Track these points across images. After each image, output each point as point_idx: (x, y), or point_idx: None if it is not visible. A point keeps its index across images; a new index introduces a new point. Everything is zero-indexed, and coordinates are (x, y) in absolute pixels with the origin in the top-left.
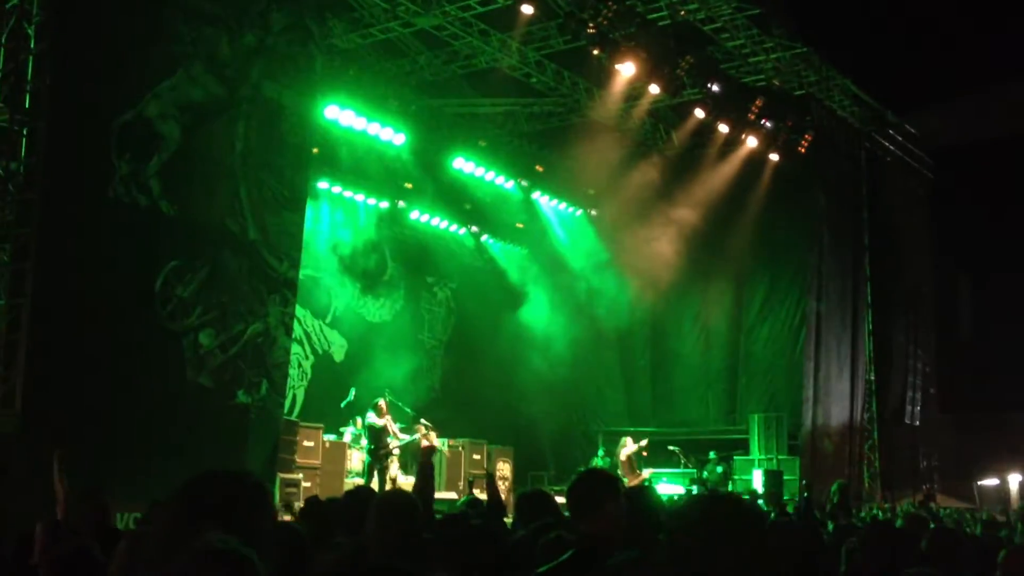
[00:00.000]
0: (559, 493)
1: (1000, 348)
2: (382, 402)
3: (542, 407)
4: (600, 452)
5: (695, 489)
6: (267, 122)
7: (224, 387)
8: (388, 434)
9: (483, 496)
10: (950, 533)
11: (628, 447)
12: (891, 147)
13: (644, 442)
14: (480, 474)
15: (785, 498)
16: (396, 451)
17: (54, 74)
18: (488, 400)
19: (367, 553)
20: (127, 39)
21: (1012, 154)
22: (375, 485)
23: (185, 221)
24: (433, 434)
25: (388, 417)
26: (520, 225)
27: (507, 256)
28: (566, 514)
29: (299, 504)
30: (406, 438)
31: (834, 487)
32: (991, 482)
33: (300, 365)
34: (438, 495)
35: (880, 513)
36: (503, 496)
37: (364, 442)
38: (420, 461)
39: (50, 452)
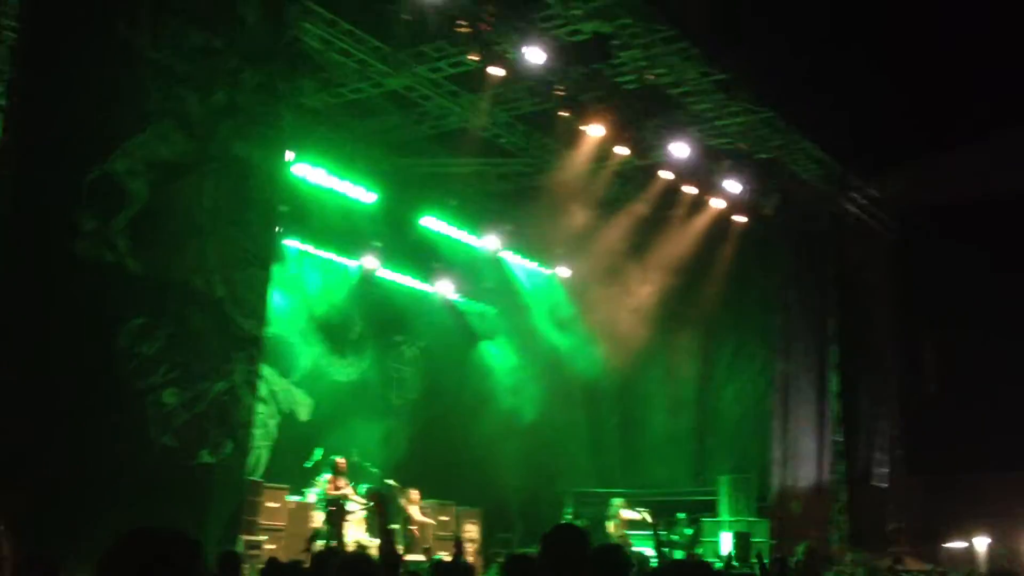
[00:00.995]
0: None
1: (966, 409)
2: (340, 460)
3: (510, 467)
4: (568, 512)
5: (665, 552)
6: (236, 179)
7: (188, 446)
8: (344, 497)
9: (448, 559)
10: None
11: (627, 512)
12: (855, 209)
13: (646, 513)
14: (447, 536)
15: (752, 561)
16: (356, 513)
17: (20, 130)
18: (456, 461)
19: None
20: (96, 96)
21: (976, 217)
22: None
23: (151, 278)
24: (411, 493)
25: (344, 477)
26: (489, 284)
27: (476, 315)
28: None
29: (260, 566)
30: (361, 502)
31: (800, 548)
32: (959, 544)
33: (266, 424)
34: (405, 557)
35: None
36: (470, 559)
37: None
38: (379, 522)
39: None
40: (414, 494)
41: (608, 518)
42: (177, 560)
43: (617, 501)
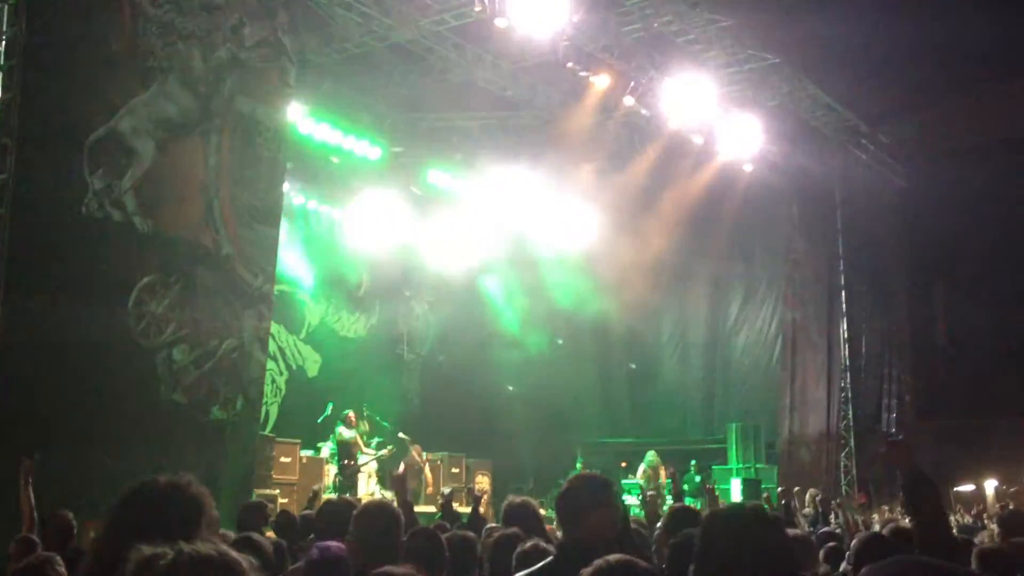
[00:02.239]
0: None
1: (975, 355)
2: (351, 414)
3: (521, 419)
4: (579, 463)
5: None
6: (241, 136)
7: (198, 403)
8: (357, 448)
9: (464, 510)
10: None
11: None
12: (864, 156)
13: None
14: (459, 487)
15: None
16: (369, 465)
17: (25, 90)
18: (467, 414)
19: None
20: (100, 54)
21: (986, 162)
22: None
23: (159, 236)
24: (417, 447)
25: (355, 431)
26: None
27: (485, 268)
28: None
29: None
30: (372, 454)
31: (808, 494)
32: (967, 488)
33: (274, 381)
34: (417, 508)
35: (858, 520)
36: (483, 510)
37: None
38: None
39: (19, 465)
40: (417, 448)
41: (645, 469)
42: (186, 505)
43: (652, 454)
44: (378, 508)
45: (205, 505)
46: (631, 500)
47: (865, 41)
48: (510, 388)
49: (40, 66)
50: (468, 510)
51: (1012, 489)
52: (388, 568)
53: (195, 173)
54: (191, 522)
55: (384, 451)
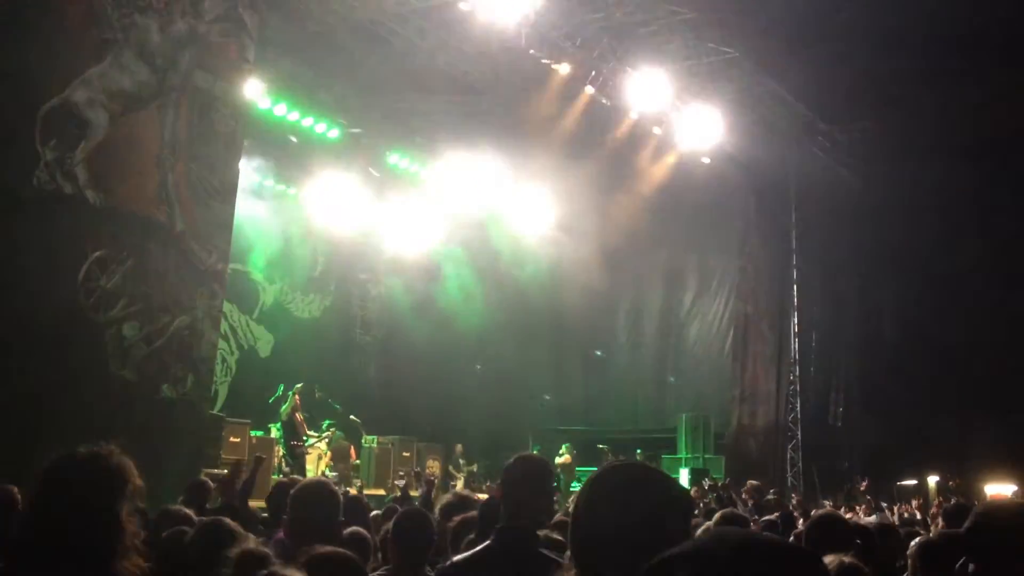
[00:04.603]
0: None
1: (922, 351)
2: (297, 396)
3: (473, 405)
4: (535, 449)
5: None
6: (197, 111)
7: (148, 380)
8: (303, 430)
9: (414, 494)
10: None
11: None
12: (819, 153)
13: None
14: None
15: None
16: (319, 446)
17: None
18: (419, 398)
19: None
20: (55, 24)
21: (939, 162)
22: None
23: (111, 210)
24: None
25: (301, 413)
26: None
27: (442, 253)
28: None
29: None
30: (315, 436)
31: (749, 485)
32: (910, 482)
33: (225, 360)
34: (367, 491)
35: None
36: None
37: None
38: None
39: None
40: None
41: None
42: (108, 475)
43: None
44: (315, 488)
45: (129, 475)
46: None
47: (824, 38)
48: (478, 367)
49: None
50: (417, 494)
51: (952, 484)
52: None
53: (150, 147)
54: (114, 491)
55: (328, 432)
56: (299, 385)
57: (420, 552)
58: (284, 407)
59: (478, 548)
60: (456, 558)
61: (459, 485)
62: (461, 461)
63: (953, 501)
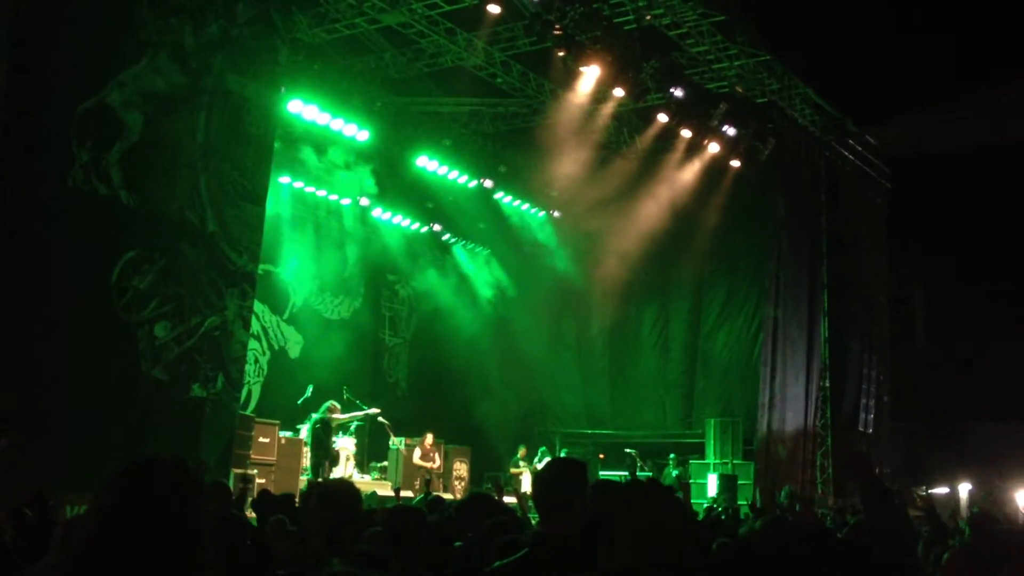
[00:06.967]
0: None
1: (954, 358)
2: (335, 405)
3: (501, 407)
4: (563, 455)
5: None
6: (229, 114)
7: (179, 380)
8: (332, 439)
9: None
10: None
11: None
12: (850, 156)
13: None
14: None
15: (740, 502)
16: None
17: (14, 59)
18: (447, 400)
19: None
20: (91, 25)
21: (968, 166)
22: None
23: (144, 211)
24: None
25: (334, 423)
26: (483, 226)
27: (469, 256)
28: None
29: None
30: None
31: (783, 492)
32: (941, 491)
33: (256, 360)
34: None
35: (829, 518)
36: (457, 495)
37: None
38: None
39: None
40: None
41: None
42: (180, 486)
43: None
44: (332, 489)
45: (198, 484)
46: None
47: (856, 42)
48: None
49: (30, 36)
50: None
51: (984, 495)
52: None
53: (183, 149)
54: (198, 501)
55: (369, 410)
56: (330, 403)
57: (412, 552)
58: (315, 417)
59: (515, 557)
60: (495, 565)
61: (522, 485)
62: (522, 463)
63: (975, 510)
